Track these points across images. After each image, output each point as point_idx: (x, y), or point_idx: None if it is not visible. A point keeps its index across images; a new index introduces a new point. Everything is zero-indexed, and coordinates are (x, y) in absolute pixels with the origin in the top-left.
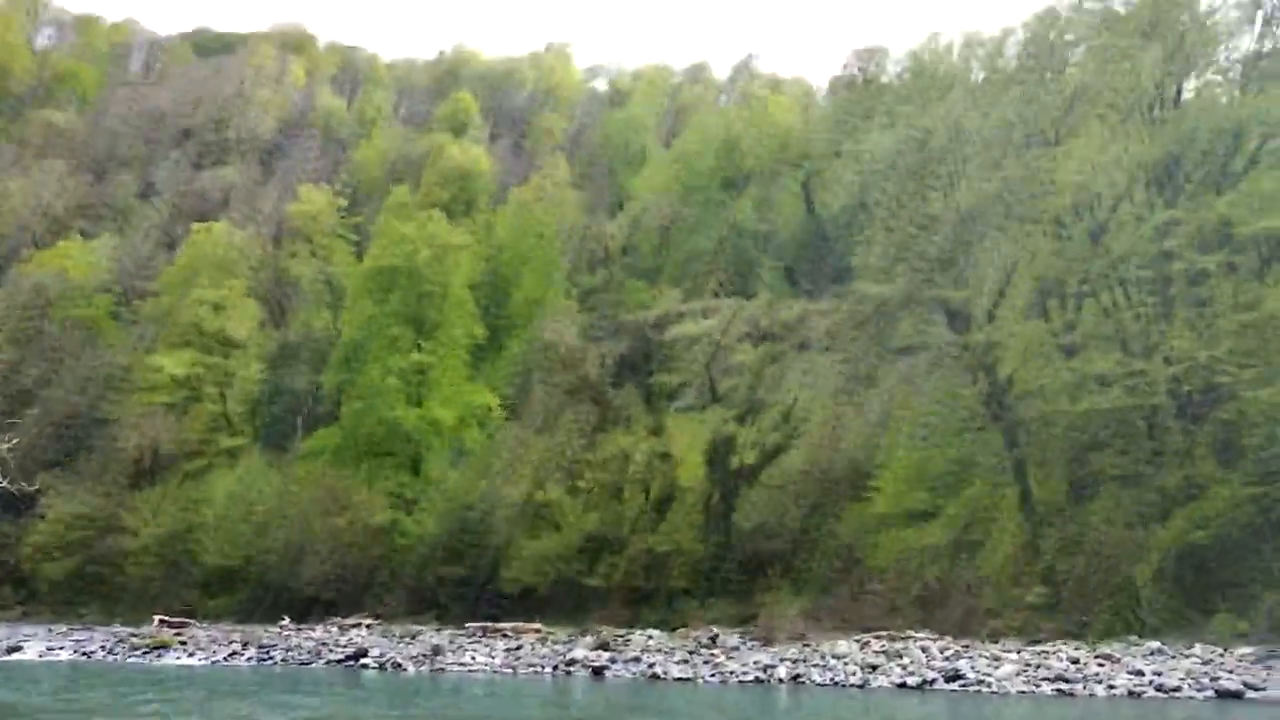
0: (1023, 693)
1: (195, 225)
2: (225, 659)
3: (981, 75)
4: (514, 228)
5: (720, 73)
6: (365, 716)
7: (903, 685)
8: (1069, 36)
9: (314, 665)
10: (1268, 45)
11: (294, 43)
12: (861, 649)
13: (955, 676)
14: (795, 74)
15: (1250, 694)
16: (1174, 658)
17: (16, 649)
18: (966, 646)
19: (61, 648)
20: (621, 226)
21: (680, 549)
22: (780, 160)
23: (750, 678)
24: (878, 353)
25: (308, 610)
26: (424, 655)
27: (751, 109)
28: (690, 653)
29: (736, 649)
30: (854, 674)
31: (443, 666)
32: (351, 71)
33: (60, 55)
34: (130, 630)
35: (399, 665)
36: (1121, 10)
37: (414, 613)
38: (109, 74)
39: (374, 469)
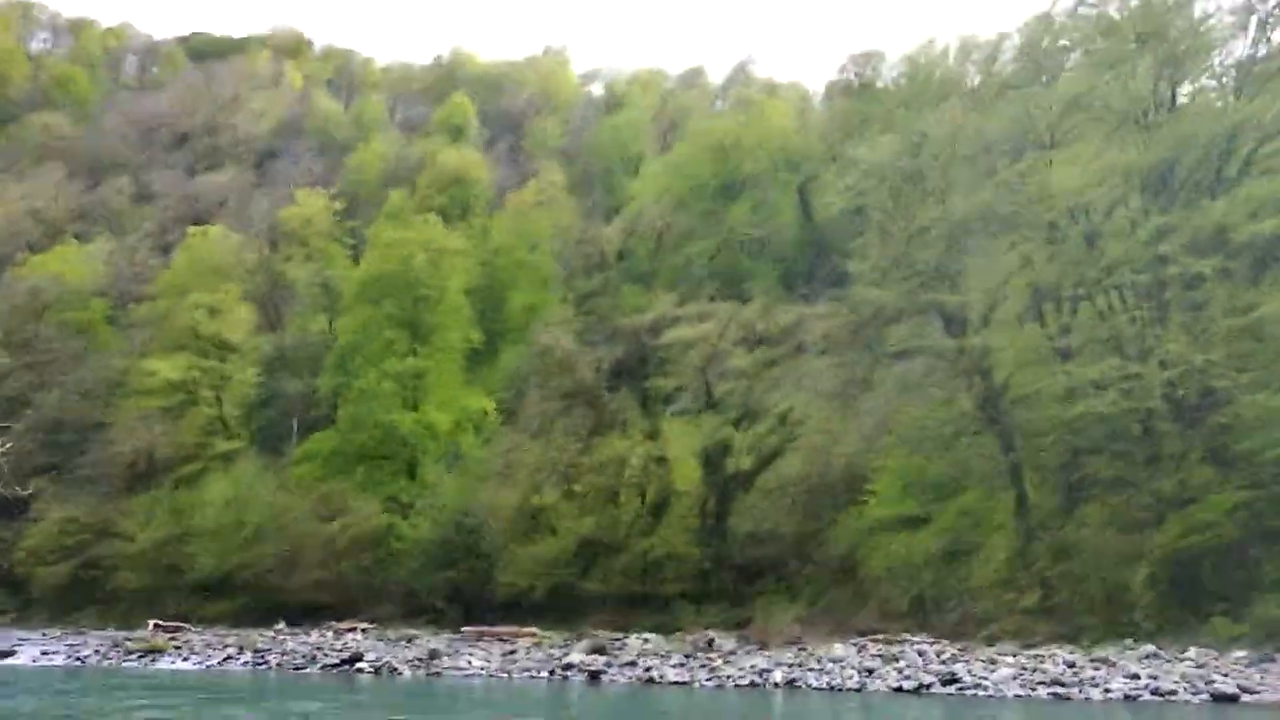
0: (1019, 697)
1: (191, 229)
2: (220, 663)
3: (977, 80)
4: (510, 232)
5: (716, 77)
6: None
7: (899, 689)
8: (1064, 42)
9: (309, 670)
10: (1261, 50)
11: (290, 47)
12: (858, 653)
13: (951, 680)
14: (791, 79)
15: (1245, 697)
16: (1169, 661)
17: (10, 654)
18: (962, 650)
19: (55, 652)
20: (618, 231)
21: (676, 553)
22: (776, 165)
23: (746, 682)
24: (873, 358)
25: (303, 615)
26: (419, 660)
27: (748, 114)
28: (686, 657)
29: (733, 653)
30: (850, 678)
31: (438, 671)
32: (347, 76)
33: (55, 60)
34: (124, 635)
35: (394, 670)
36: (1116, 16)
37: (409, 617)
38: (104, 79)
39: (369, 473)
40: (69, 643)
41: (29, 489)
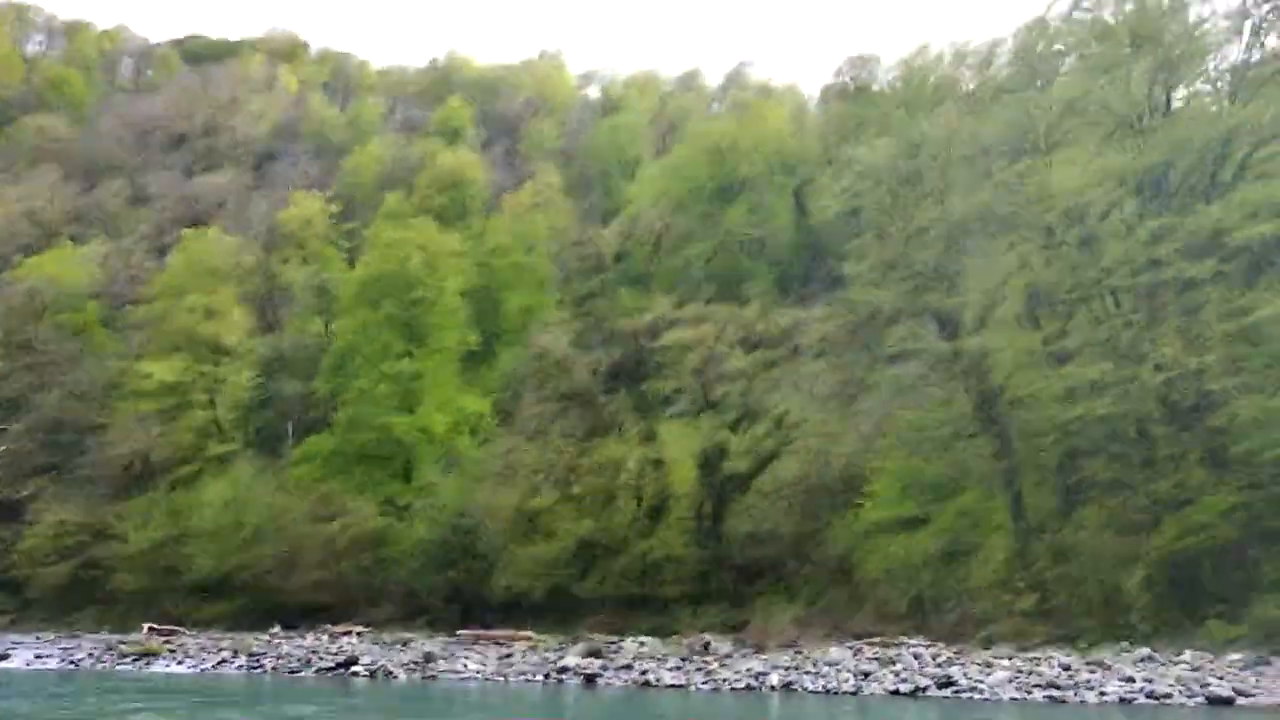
0: (1015, 699)
1: (187, 231)
2: (214, 667)
3: (972, 84)
4: (507, 234)
5: (712, 81)
6: None
7: (895, 692)
8: (1059, 46)
9: (304, 673)
10: (1255, 55)
11: (286, 50)
12: (854, 656)
13: (948, 683)
14: (787, 82)
15: (1241, 700)
16: (1164, 664)
17: (4, 657)
18: (959, 653)
19: (49, 656)
20: (614, 234)
21: (672, 556)
22: (773, 168)
23: (742, 685)
24: (871, 360)
25: (299, 618)
26: (415, 663)
27: (744, 117)
28: (683, 660)
29: (729, 656)
30: (846, 681)
31: (434, 674)
32: (344, 79)
33: (50, 62)
34: (119, 638)
35: (390, 673)
36: (1111, 21)
37: (406, 620)
38: (99, 81)
39: (366, 476)
40: (63, 646)
41: (25, 491)
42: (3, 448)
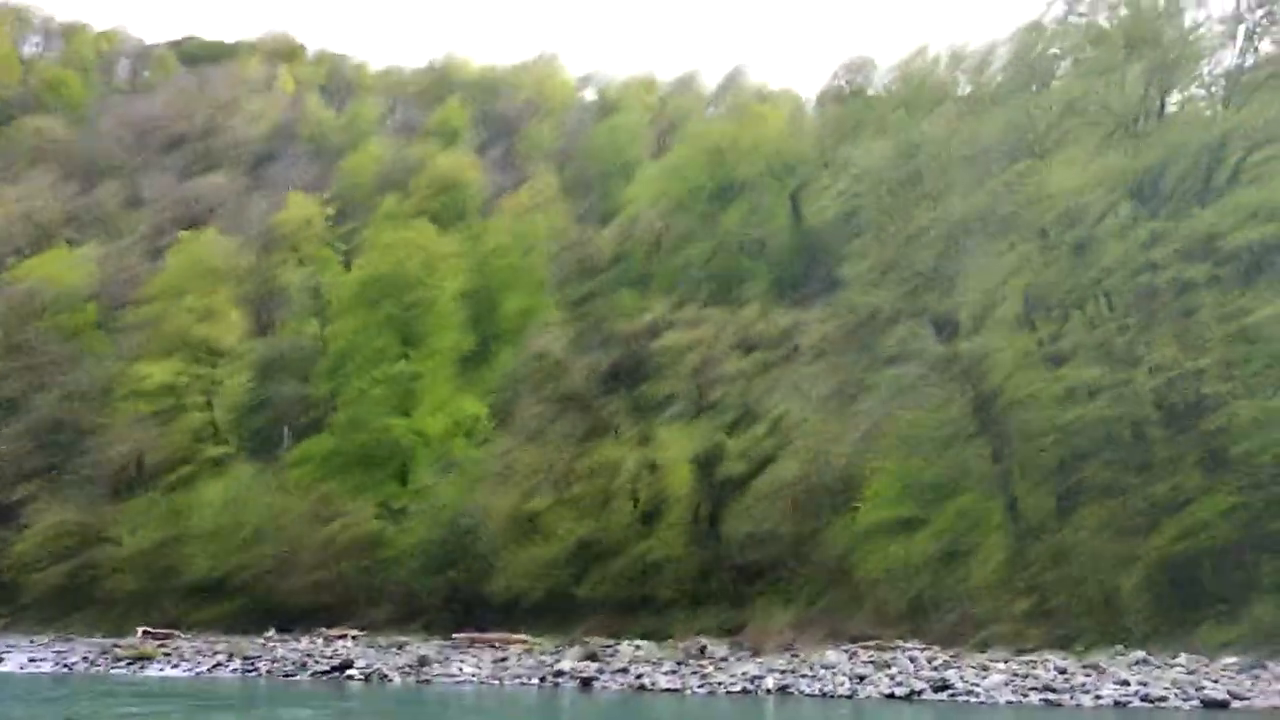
0: (1010, 703)
1: (183, 233)
2: (209, 670)
3: (969, 87)
4: (504, 236)
5: (710, 83)
6: None
7: (891, 696)
8: (1054, 50)
9: (299, 677)
10: (1249, 60)
11: (283, 52)
12: (850, 659)
13: (943, 686)
14: (784, 85)
15: (1236, 704)
16: (1160, 668)
17: None
18: (955, 656)
19: (43, 659)
20: (612, 235)
21: (669, 559)
22: (770, 171)
23: (738, 688)
24: (868, 362)
25: (294, 621)
26: (410, 666)
27: (742, 119)
28: (678, 663)
29: (725, 659)
30: (842, 684)
31: (429, 678)
32: (341, 80)
33: (47, 63)
34: (113, 642)
35: (385, 676)
36: (1106, 25)
37: (402, 622)
38: (97, 83)
39: (362, 478)
40: (57, 649)
41: (19, 494)
42: None
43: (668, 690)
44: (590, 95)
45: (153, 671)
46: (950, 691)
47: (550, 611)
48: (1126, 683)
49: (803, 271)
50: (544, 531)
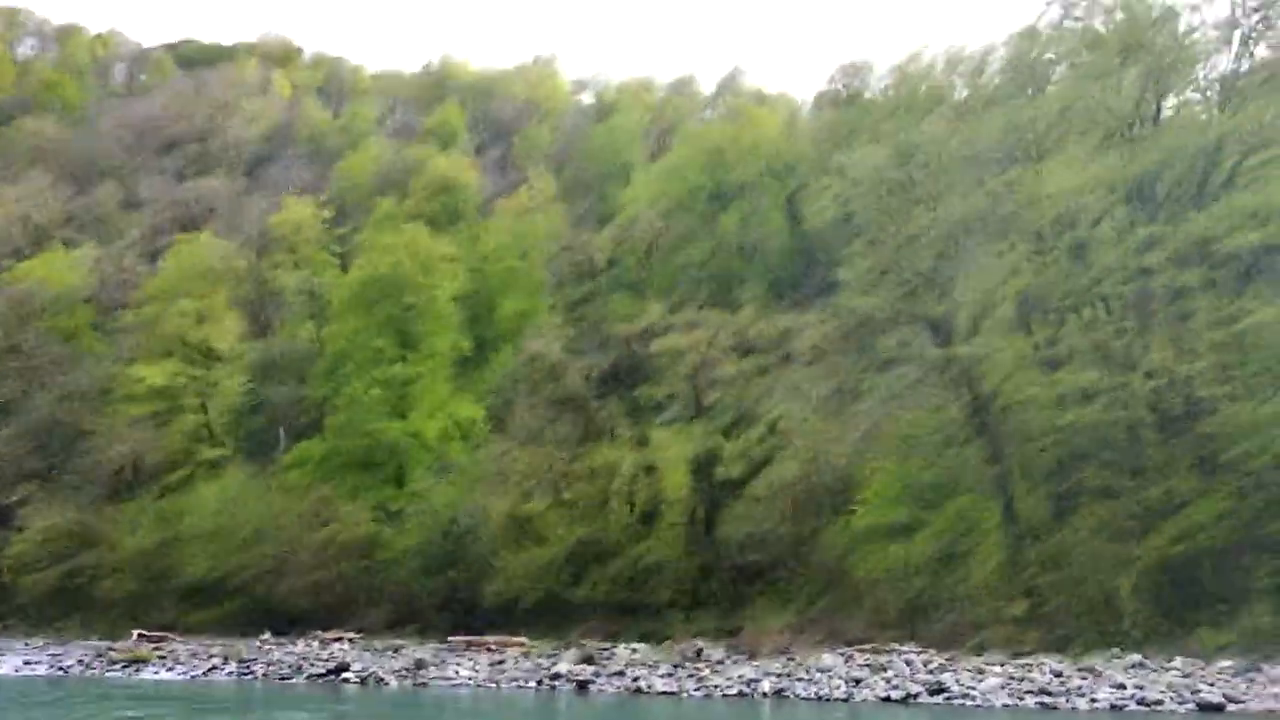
0: (1006, 706)
1: (180, 235)
2: (204, 674)
3: (965, 92)
4: (500, 239)
5: (706, 87)
6: None
7: (887, 699)
8: (1050, 55)
9: (294, 680)
10: (1244, 65)
11: (279, 55)
12: (846, 663)
13: (939, 690)
14: (781, 88)
15: (1231, 707)
16: (1155, 671)
17: None
18: (951, 660)
19: (38, 662)
20: (608, 239)
21: (666, 561)
22: (767, 173)
23: (734, 692)
24: (863, 366)
25: (290, 624)
26: (406, 669)
27: (739, 122)
28: (675, 666)
29: (721, 662)
30: (838, 688)
31: (425, 681)
32: (337, 83)
33: (43, 66)
34: (108, 644)
35: (381, 680)
36: (1102, 30)
37: (397, 626)
38: (93, 85)
39: (358, 482)
40: (52, 652)
41: (14, 496)
42: None
43: (664, 693)
44: (587, 98)
45: (148, 674)
46: (946, 695)
47: (547, 614)
48: (1122, 686)
49: (800, 274)
50: (541, 534)
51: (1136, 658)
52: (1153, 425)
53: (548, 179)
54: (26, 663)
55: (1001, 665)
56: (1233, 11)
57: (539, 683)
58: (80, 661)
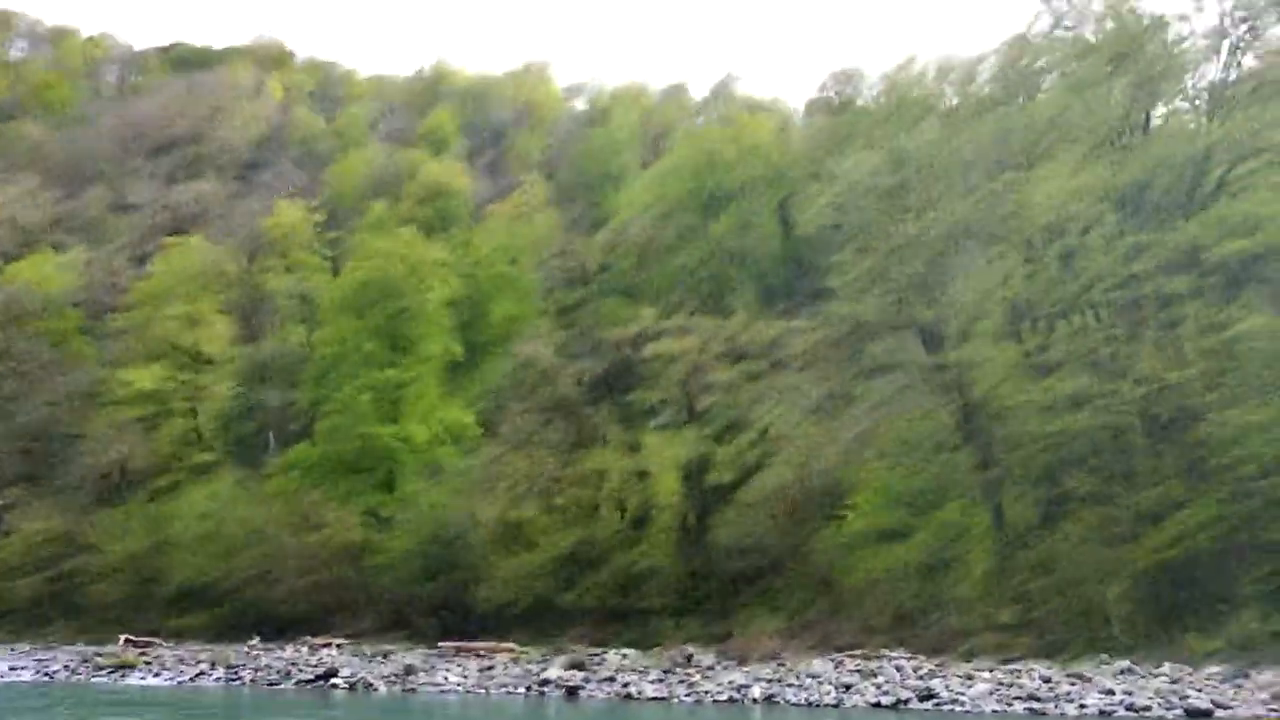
0: (996, 711)
1: (169, 239)
2: (192, 679)
3: (955, 100)
4: (493, 245)
5: (698, 93)
6: None
7: (877, 705)
8: (1040, 64)
9: (283, 686)
10: (1233, 74)
11: (272, 58)
12: (836, 668)
13: (929, 696)
14: (773, 95)
15: (1219, 713)
16: (1144, 677)
17: None
18: (940, 666)
19: (24, 667)
20: (600, 245)
21: (656, 567)
22: (759, 180)
23: (724, 698)
24: (854, 373)
25: (278, 629)
26: (396, 675)
27: (731, 129)
28: (665, 672)
29: (711, 668)
30: (828, 694)
31: (414, 686)
32: (330, 87)
33: (34, 68)
34: (94, 650)
35: (370, 685)
36: (1092, 39)
37: (386, 632)
38: (84, 87)
39: (348, 486)
40: (38, 658)
41: (2, 500)
42: None
43: (654, 699)
44: (580, 104)
45: (134, 680)
46: (936, 700)
47: (537, 620)
48: (1111, 692)
49: (791, 280)
50: (531, 539)
51: (1125, 663)
52: (1142, 432)
53: (540, 184)
54: (12, 668)
55: (991, 671)
56: (1221, 21)
57: (528, 688)
58: (66, 667)
